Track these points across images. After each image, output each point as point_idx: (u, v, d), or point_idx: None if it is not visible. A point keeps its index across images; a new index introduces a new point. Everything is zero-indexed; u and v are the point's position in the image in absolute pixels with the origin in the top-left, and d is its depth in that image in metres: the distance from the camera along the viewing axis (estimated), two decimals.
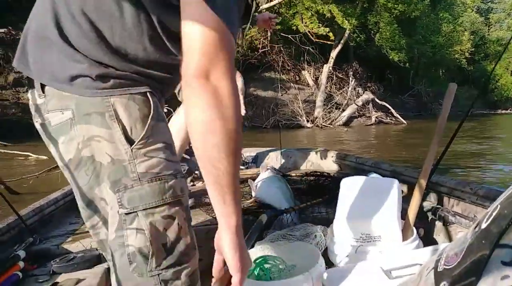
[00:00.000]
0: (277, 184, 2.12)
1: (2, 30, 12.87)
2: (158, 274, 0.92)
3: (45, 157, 6.59)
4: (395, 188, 1.62)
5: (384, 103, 17.48)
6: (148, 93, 0.94)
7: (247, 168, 2.69)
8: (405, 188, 2.07)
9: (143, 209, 0.90)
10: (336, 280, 1.34)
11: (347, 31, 17.05)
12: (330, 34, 15.71)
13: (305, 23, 15.92)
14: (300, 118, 16.17)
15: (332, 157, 2.89)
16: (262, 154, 3.07)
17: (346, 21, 16.21)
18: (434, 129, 1.75)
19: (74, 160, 0.93)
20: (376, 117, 17.27)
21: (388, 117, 17.57)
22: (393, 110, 17.42)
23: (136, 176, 0.90)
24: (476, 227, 0.75)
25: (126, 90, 0.92)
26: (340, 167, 2.77)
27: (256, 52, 16.45)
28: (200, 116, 0.80)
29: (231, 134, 0.81)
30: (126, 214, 0.90)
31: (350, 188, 1.68)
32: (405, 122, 16.91)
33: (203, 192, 2.08)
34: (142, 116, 0.92)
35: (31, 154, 7.53)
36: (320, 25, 15.80)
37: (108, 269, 1.54)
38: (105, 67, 0.90)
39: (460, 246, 0.78)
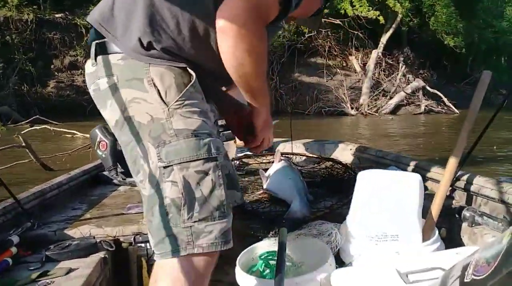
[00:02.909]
0: (290, 175, 2.00)
1: (59, 15, 13.59)
2: (191, 226, 1.00)
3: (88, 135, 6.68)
4: (417, 184, 1.49)
5: (435, 91, 16.64)
6: (187, 68, 1.08)
7: (261, 156, 2.58)
8: (428, 184, 1.94)
9: (178, 163, 1.00)
10: (346, 282, 1.25)
11: (399, 15, 16.28)
12: (381, 18, 15.20)
13: (354, 6, 15.34)
14: (344, 105, 15.81)
15: (350, 149, 2.77)
16: (275, 144, 2.95)
17: (398, 4, 15.47)
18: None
19: (119, 120, 1.07)
20: (426, 106, 16.48)
21: (439, 106, 16.68)
22: (445, 99, 16.50)
23: (173, 132, 1.02)
24: None
25: (164, 62, 1.06)
26: (359, 160, 2.63)
27: (302, 37, 16.05)
28: (233, 53, 1.02)
29: (258, 65, 1.07)
30: (164, 167, 1.00)
31: (367, 182, 1.56)
32: (457, 111, 15.91)
33: None
34: (177, 83, 1.06)
35: (76, 132, 7.87)
36: (370, 8, 15.22)
37: (104, 258, 1.47)
38: (155, 38, 1.06)
39: (493, 253, 0.66)
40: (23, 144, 5.13)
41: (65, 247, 1.47)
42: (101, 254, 1.48)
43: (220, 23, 1.00)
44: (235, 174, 1.39)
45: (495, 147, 7.45)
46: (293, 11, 1.10)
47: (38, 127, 7.85)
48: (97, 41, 1.10)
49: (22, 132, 6.85)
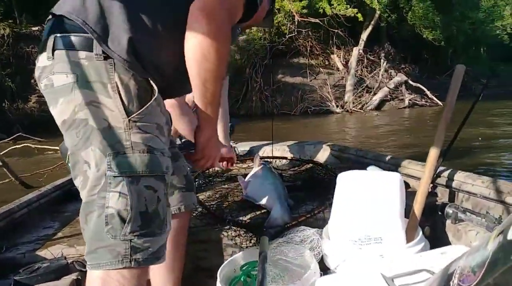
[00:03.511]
0: (270, 180, 1.95)
1: (36, 28, 13.71)
2: (131, 240, 0.99)
3: None
4: (397, 183, 1.46)
5: (418, 85, 16.65)
6: (150, 80, 1.06)
7: (241, 161, 2.52)
8: (410, 182, 1.91)
9: (129, 176, 0.99)
10: None
11: (377, 11, 16.38)
12: (359, 15, 15.17)
13: (332, 5, 15.36)
14: (329, 104, 15.73)
15: (330, 149, 2.73)
16: (256, 148, 2.91)
17: (376, 1, 15.60)
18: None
19: (67, 120, 1.02)
20: (410, 99, 16.48)
21: (423, 99, 16.70)
22: (428, 92, 16.52)
23: (130, 144, 1.00)
24: (499, 235, 0.58)
25: (130, 70, 1.03)
26: (339, 160, 2.60)
27: (283, 38, 15.97)
28: (199, 43, 1.03)
29: (222, 62, 1.07)
30: (114, 176, 0.98)
31: (347, 184, 1.53)
32: (441, 103, 15.73)
33: None
34: (140, 95, 1.04)
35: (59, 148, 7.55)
36: (348, 6, 15.24)
37: (76, 280, 1.39)
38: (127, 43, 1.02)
39: (478, 260, 0.61)
40: (0, 164, 5.01)
41: (34, 270, 1.38)
42: (73, 276, 1.40)
43: (193, 13, 1.03)
44: (191, 176, 1.48)
45: (480, 138, 7.49)
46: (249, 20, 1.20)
47: (19, 146, 7.66)
48: (58, 34, 1.03)
49: (3, 151, 6.70)
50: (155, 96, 1.06)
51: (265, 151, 2.88)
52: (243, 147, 2.97)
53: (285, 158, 2.59)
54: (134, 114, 1.02)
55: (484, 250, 0.62)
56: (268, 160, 2.51)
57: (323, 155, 2.73)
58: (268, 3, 1.39)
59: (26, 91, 13.21)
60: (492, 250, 0.59)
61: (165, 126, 1.14)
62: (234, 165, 2.09)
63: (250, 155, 2.80)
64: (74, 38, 1.02)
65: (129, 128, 1.01)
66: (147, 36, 1.06)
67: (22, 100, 13.19)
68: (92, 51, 1.01)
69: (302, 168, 2.43)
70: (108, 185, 0.98)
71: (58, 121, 1.06)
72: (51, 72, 1.04)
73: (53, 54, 1.03)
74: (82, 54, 1.01)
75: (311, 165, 2.39)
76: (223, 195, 2.10)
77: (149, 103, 1.04)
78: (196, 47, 1.05)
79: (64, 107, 1.02)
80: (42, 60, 1.06)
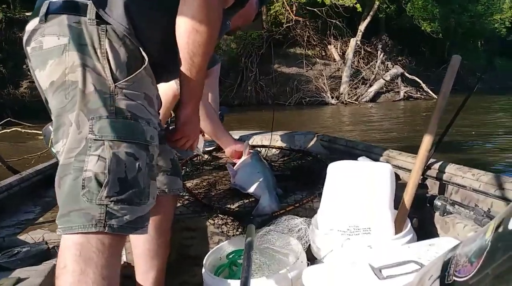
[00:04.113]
0: (259, 169, 1.92)
1: (29, 13, 13.10)
2: (106, 205, 0.97)
3: None
4: (387, 174, 1.44)
5: (414, 77, 16.73)
6: (141, 49, 1.08)
7: None
8: (400, 174, 1.89)
9: (111, 140, 0.99)
10: (318, 279, 1.19)
11: (376, 2, 16.44)
12: (358, 6, 15.20)
13: None
14: (324, 95, 15.76)
15: (320, 140, 2.70)
16: (246, 137, 2.87)
17: None
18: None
19: (56, 82, 1.02)
20: (405, 92, 16.62)
21: (418, 92, 16.81)
22: (423, 85, 16.57)
23: (113, 110, 1.00)
24: (499, 226, 0.55)
25: (122, 39, 1.04)
26: (329, 151, 2.57)
27: (280, 27, 15.97)
28: (191, 16, 1.05)
29: (211, 38, 1.09)
30: (94, 140, 0.98)
31: (337, 174, 1.50)
32: (436, 97, 15.89)
33: None
34: (129, 62, 1.04)
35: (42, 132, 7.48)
36: None
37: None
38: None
39: (475, 250, 0.59)
40: None
41: (14, 255, 1.35)
42: (54, 261, 1.36)
43: None
44: (177, 161, 1.47)
45: (473, 132, 7.51)
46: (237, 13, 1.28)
47: (8, 131, 7.59)
48: (52, 0, 1.04)
49: None
50: (144, 65, 1.07)
51: (255, 140, 2.86)
52: (233, 136, 2.92)
53: (275, 147, 2.56)
54: (121, 81, 1.02)
55: (482, 240, 0.59)
56: (258, 148, 2.48)
57: (313, 145, 2.71)
58: (257, 6, 1.49)
59: (18, 76, 13.14)
60: (491, 239, 0.57)
61: (155, 99, 1.14)
62: (221, 153, 2.10)
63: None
64: (68, 2, 1.04)
65: (115, 94, 1.01)
66: (142, 7, 1.08)
67: (14, 85, 13.11)
68: (86, 16, 1.02)
69: (291, 158, 2.40)
70: (88, 148, 0.98)
71: (45, 83, 1.05)
72: (42, 34, 1.04)
73: (46, 18, 1.03)
74: (76, 18, 1.02)
75: (300, 154, 2.37)
76: (211, 183, 2.07)
77: (138, 72, 1.05)
78: (188, 20, 1.06)
79: (53, 68, 1.02)
80: (33, 24, 1.06)
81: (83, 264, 0.95)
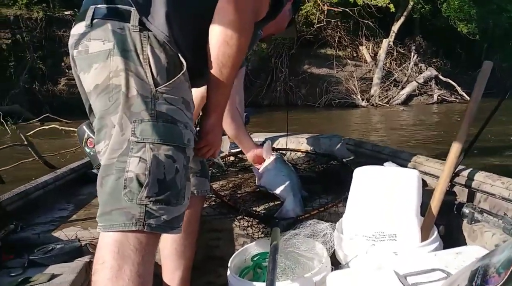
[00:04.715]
0: (284, 171, 1.93)
1: (68, 12, 13.99)
2: (146, 205, 1.02)
3: None
4: (415, 180, 1.43)
5: (448, 80, 16.22)
6: (179, 55, 1.12)
7: None
8: (426, 180, 1.86)
9: (152, 142, 1.03)
10: (343, 284, 1.19)
11: (411, 2, 15.92)
12: (391, 6, 14.82)
13: None
14: (354, 97, 15.43)
15: (346, 143, 2.67)
16: (270, 139, 2.82)
17: None
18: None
19: (101, 85, 1.06)
20: (439, 95, 16.10)
21: (452, 96, 16.28)
22: (458, 88, 16.03)
23: (154, 113, 1.04)
24: None
25: (162, 45, 1.09)
26: (355, 155, 2.54)
27: (311, 28, 15.78)
28: (223, 29, 1.10)
29: (240, 51, 1.14)
30: (136, 142, 1.02)
31: (364, 179, 1.50)
32: None
33: None
34: (169, 68, 1.09)
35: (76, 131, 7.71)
36: None
37: (89, 263, 1.41)
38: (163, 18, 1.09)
39: (503, 261, 0.60)
40: (25, 142, 5.12)
41: (49, 251, 1.42)
42: (86, 258, 1.42)
43: (222, 1, 1.10)
44: (206, 163, 1.54)
45: (509, 139, 7.26)
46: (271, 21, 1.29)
47: (46, 127, 7.87)
48: (98, 5, 1.09)
49: (31, 132, 6.89)
50: (183, 71, 1.11)
51: (280, 143, 2.85)
52: (257, 138, 2.90)
53: (300, 151, 2.56)
54: (162, 86, 1.06)
55: (510, 251, 0.59)
56: (283, 152, 2.49)
57: (338, 148, 2.68)
58: (290, 13, 1.51)
59: (56, 74, 13.51)
60: None
61: (192, 103, 1.18)
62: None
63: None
64: (113, 9, 1.08)
65: (156, 99, 1.05)
66: (182, 16, 1.12)
67: (52, 82, 13.49)
68: (129, 22, 1.07)
69: (316, 162, 2.40)
70: (130, 150, 1.02)
71: (90, 86, 1.09)
72: (88, 39, 1.08)
73: (91, 23, 1.08)
74: (120, 24, 1.07)
75: (326, 158, 2.36)
76: (236, 185, 2.10)
77: (177, 77, 1.09)
78: (221, 32, 1.11)
79: (98, 72, 1.06)
80: (79, 28, 1.11)
81: (121, 261, 0.98)
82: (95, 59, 1.07)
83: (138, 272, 0.99)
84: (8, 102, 12.14)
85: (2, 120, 7.80)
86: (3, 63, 12.85)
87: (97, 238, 1.49)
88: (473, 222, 1.50)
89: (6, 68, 12.82)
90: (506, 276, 0.56)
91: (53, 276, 1.31)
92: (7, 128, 7.55)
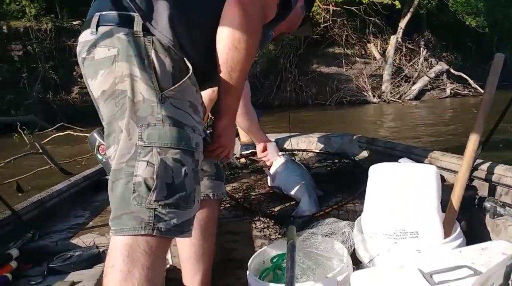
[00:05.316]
0: (297, 171, 1.92)
1: (76, 22, 14.18)
2: (155, 209, 1.02)
3: None
4: (433, 175, 1.40)
5: (460, 73, 16.04)
6: (185, 59, 1.11)
7: None
8: (444, 175, 1.81)
9: (159, 146, 1.03)
10: (367, 283, 1.17)
11: None
12: (397, 2, 14.74)
13: None
14: (365, 94, 15.42)
15: (358, 141, 2.62)
16: (281, 140, 2.84)
17: None
18: None
19: (107, 91, 1.07)
20: (452, 89, 15.98)
21: (465, 89, 16.13)
22: (471, 81, 15.83)
23: (161, 117, 1.04)
24: None
25: (167, 50, 1.09)
26: (367, 153, 2.50)
27: (318, 27, 15.61)
28: (231, 33, 1.09)
29: (249, 55, 1.14)
30: (144, 146, 1.03)
31: (380, 176, 1.47)
32: None
33: None
34: (174, 72, 1.08)
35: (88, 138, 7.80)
36: None
37: None
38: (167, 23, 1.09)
39: None
40: (40, 151, 5.17)
41: (67, 258, 1.41)
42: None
43: (230, 4, 1.09)
44: (221, 166, 1.53)
45: None
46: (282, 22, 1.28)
47: (62, 134, 7.96)
48: (103, 12, 1.10)
49: (46, 139, 7.02)
50: (189, 75, 1.10)
51: (291, 143, 2.82)
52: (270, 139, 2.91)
53: (311, 151, 2.54)
54: (167, 90, 1.06)
55: None
56: (294, 152, 2.48)
57: (350, 147, 2.64)
58: (303, 10, 1.49)
59: (69, 83, 13.68)
60: None
61: (200, 107, 1.17)
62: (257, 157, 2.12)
63: None
64: (117, 15, 1.09)
65: (162, 103, 1.05)
66: (186, 20, 1.12)
67: (66, 91, 13.67)
68: (133, 28, 1.07)
69: (327, 161, 2.38)
70: (138, 154, 1.03)
71: (97, 92, 1.10)
72: (94, 45, 1.09)
73: (96, 30, 1.09)
74: (124, 30, 1.07)
75: (337, 157, 2.35)
76: (249, 186, 2.09)
77: (182, 81, 1.09)
78: (228, 36, 1.10)
79: (104, 78, 1.07)
80: (85, 35, 1.12)
81: (130, 264, 0.99)
82: (100, 66, 1.08)
83: (147, 276, 1.00)
84: (23, 113, 12.33)
85: (19, 130, 7.88)
86: (16, 74, 13.13)
87: None
88: (495, 216, 1.46)
89: (19, 79, 13.09)
90: None
91: (73, 283, 1.30)
92: (25, 138, 7.63)
